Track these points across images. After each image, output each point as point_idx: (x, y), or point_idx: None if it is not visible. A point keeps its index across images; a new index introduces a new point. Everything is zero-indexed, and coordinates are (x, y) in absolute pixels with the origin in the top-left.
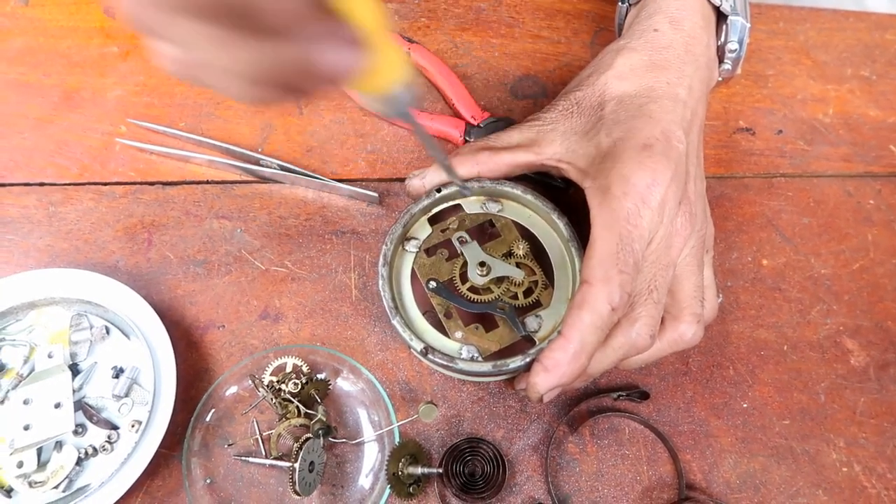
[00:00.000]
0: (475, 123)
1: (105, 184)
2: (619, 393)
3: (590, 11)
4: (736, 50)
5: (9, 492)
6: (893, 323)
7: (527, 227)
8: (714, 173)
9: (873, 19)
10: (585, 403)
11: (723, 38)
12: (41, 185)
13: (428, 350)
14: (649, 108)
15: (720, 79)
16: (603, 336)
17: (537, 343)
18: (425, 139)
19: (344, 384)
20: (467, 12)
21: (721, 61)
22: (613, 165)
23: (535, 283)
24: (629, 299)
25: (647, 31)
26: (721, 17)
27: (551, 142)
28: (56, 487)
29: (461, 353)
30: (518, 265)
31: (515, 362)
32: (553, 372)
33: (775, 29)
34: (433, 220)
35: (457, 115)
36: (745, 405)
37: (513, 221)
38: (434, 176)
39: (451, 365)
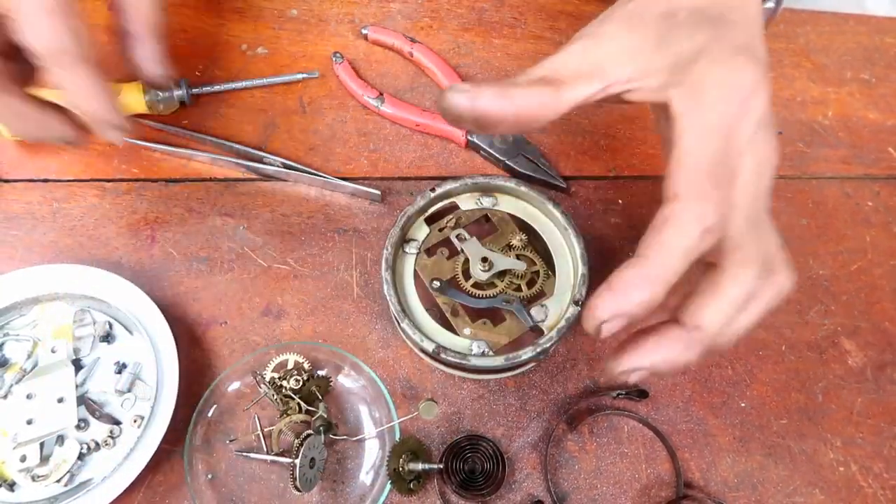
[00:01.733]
0: None
1: (109, 180)
2: (619, 392)
3: (593, 13)
4: None
5: (11, 485)
6: (891, 324)
7: (523, 218)
8: None
9: (873, 23)
10: (585, 402)
11: None
12: (45, 181)
13: (440, 350)
14: (732, 17)
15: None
16: (687, 263)
17: (545, 332)
18: None
19: (345, 381)
20: (470, 13)
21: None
22: (708, 68)
23: (537, 273)
24: (724, 224)
25: None
26: None
27: (619, 63)
28: (58, 481)
29: (472, 350)
30: (518, 257)
31: (527, 353)
32: (620, 293)
33: (776, 31)
34: (430, 220)
35: None
36: (743, 404)
37: (509, 215)
38: (490, 101)
39: (463, 363)
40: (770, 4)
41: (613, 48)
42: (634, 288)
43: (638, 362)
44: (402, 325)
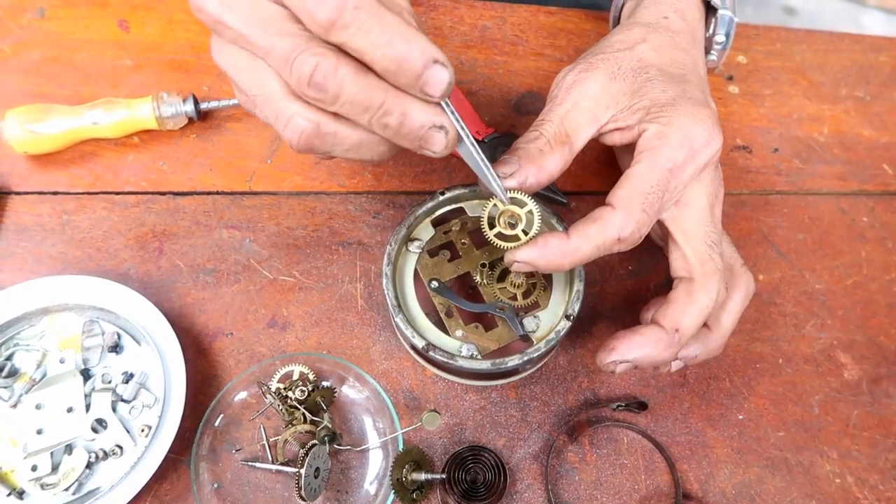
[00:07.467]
0: (479, 139)
1: (117, 193)
2: (618, 404)
3: (591, 30)
4: (723, 42)
5: (20, 493)
6: (886, 338)
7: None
8: None
9: (868, 41)
10: (585, 413)
11: (711, 31)
12: (55, 193)
13: (429, 347)
14: (689, 77)
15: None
16: (594, 254)
17: (534, 343)
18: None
19: (349, 392)
20: (473, 30)
21: (707, 52)
22: (675, 115)
23: (534, 284)
24: (637, 239)
25: (658, 17)
26: (710, 10)
27: (605, 107)
28: (67, 490)
29: (461, 351)
30: None
31: (514, 360)
32: (540, 249)
33: (773, 50)
34: (437, 223)
35: None
36: (740, 417)
37: None
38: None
39: (450, 363)
40: (713, 57)
41: (598, 94)
42: (549, 250)
43: (625, 356)
44: (395, 318)
